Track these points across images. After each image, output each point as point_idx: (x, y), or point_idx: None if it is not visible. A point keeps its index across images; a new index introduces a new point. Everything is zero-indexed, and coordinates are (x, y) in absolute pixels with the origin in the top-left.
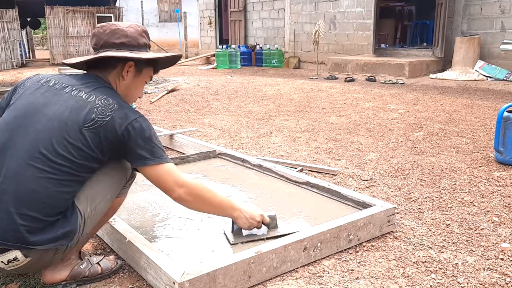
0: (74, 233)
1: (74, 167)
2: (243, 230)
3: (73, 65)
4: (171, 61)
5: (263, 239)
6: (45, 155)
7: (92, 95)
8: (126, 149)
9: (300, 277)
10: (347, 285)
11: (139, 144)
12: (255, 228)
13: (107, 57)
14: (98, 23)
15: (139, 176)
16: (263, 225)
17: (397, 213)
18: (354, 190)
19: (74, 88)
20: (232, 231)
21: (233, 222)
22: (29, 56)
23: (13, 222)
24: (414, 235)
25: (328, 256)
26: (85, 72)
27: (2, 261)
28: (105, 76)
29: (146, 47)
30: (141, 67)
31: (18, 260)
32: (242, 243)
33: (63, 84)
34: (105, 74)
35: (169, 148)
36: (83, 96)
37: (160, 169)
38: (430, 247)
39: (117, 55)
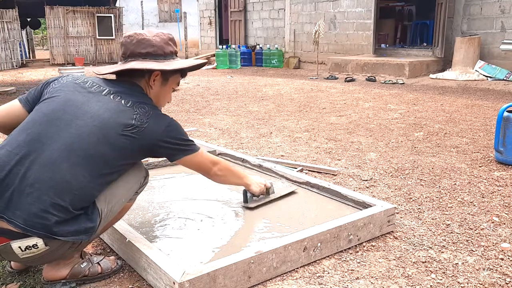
0: (94, 230)
1: (109, 166)
2: (253, 197)
3: (102, 75)
4: (197, 67)
5: (270, 200)
6: (84, 150)
7: (130, 101)
8: (164, 151)
9: (300, 277)
10: (347, 285)
11: (177, 143)
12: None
13: (131, 69)
14: (98, 23)
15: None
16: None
17: (397, 213)
18: (354, 190)
19: (112, 92)
20: (247, 201)
21: (245, 193)
22: (29, 56)
23: (44, 210)
24: (414, 235)
25: (328, 256)
26: (115, 78)
27: (19, 247)
28: (137, 84)
29: (173, 54)
30: (168, 76)
31: (37, 248)
32: (258, 206)
33: (101, 87)
34: (136, 81)
35: None
36: (122, 102)
37: (198, 156)
38: (430, 247)
39: (141, 67)
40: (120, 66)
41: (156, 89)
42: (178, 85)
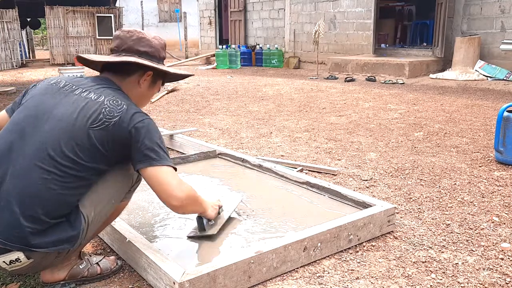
0: (77, 238)
1: (80, 169)
2: (207, 221)
3: (91, 63)
4: (182, 78)
5: (227, 220)
6: (52, 157)
7: (101, 95)
8: (131, 150)
9: (300, 277)
10: (347, 285)
11: (145, 145)
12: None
13: (130, 63)
14: (98, 23)
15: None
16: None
17: (397, 213)
18: (354, 190)
19: (84, 89)
20: (204, 226)
21: (200, 219)
22: (29, 56)
23: (17, 223)
24: (414, 235)
25: (328, 256)
26: (97, 74)
27: (4, 261)
28: (119, 80)
29: (163, 60)
30: (156, 78)
31: (20, 261)
32: (219, 230)
33: (73, 86)
34: (119, 78)
35: (169, 148)
36: (92, 97)
37: (164, 170)
38: (430, 247)
39: (147, 64)
40: (118, 58)
41: (144, 89)
42: (158, 91)
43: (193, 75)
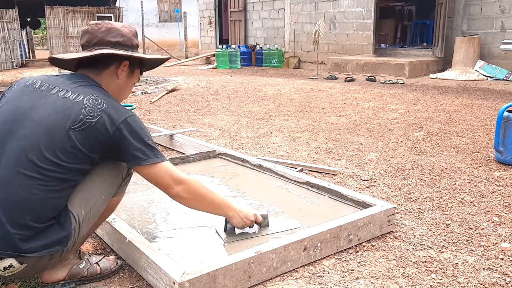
0: (68, 239)
1: (64, 171)
2: (236, 229)
3: (64, 62)
4: (159, 63)
5: (253, 237)
6: (33, 161)
7: (80, 94)
8: (119, 150)
9: (300, 277)
10: (347, 285)
11: (132, 144)
12: (247, 227)
13: (103, 55)
14: None
15: (139, 176)
16: (255, 224)
17: (397, 213)
18: (354, 190)
19: (61, 89)
20: (225, 230)
21: (226, 221)
22: (29, 56)
23: (5, 231)
24: (414, 235)
25: (328, 256)
26: (72, 71)
27: None
28: (96, 75)
29: (137, 48)
30: (134, 67)
31: (14, 267)
32: (235, 241)
33: (50, 86)
34: (95, 73)
35: (169, 148)
36: (70, 97)
37: (156, 167)
38: (430, 247)
39: (121, 54)
40: (90, 52)
41: (122, 80)
42: (138, 80)
43: (169, 58)
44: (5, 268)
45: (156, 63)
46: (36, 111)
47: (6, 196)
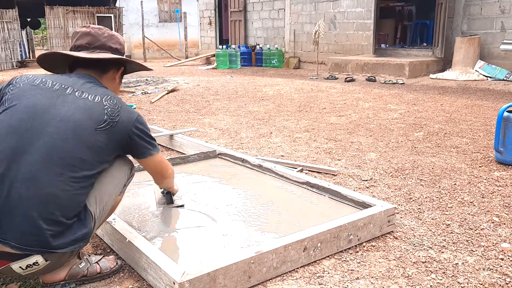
0: (89, 235)
1: (90, 168)
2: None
3: (57, 63)
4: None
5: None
6: (62, 158)
7: (96, 96)
8: (132, 145)
9: (300, 277)
10: (347, 285)
11: (143, 139)
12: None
13: (106, 60)
14: (98, 23)
15: (139, 175)
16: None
17: (397, 213)
18: (354, 190)
19: (75, 89)
20: (173, 199)
21: (169, 193)
22: (29, 56)
23: (37, 227)
24: (414, 235)
25: (328, 256)
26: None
27: (20, 267)
28: (98, 77)
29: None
30: (125, 73)
31: (38, 265)
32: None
33: (63, 85)
34: (97, 75)
35: (169, 148)
36: (89, 97)
37: (159, 157)
38: (430, 247)
39: (134, 62)
40: (103, 55)
41: (117, 84)
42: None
43: (151, 70)
44: (27, 266)
45: (135, 71)
46: (57, 109)
47: (37, 192)
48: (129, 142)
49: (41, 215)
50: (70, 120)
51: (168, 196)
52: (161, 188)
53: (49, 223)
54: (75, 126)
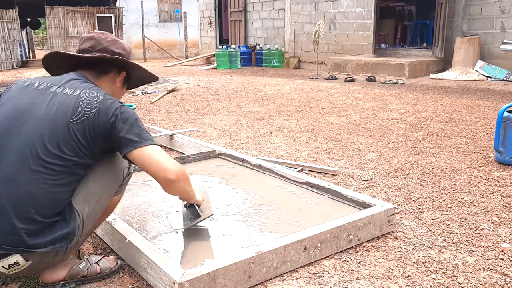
0: (73, 235)
1: (67, 164)
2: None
3: (59, 64)
4: (145, 82)
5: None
6: (37, 156)
7: (76, 89)
8: (115, 138)
9: (300, 277)
10: (347, 285)
11: (126, 129)
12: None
13: (107, 61)
14: (98, 23)
15: (139, 176)
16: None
17: (397, 213)
18: (354, 190)
19: (59, 86)
20: (199, 212)
21: (192, 206)
22: (29, 56)
23: (12, 226)
24: (414, 235)
25: (328, 256)
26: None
27: (3, 266)
28: (93, 78)
29: None
30: (127, 80)
31: (19, 264)
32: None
33: (48, 84)
34: (94, 76)
35: (169, 148)
36: (68, 92)
37: (151, 150)
38: (430, 247)
39: (131, 62)
40: (108, 55)
41: (119, 86)
42: (123, 95)
43: (157, 79)
44: (10, 266)
45: (143, 82)
46: (36, 108)
47: (13, 191)
48: (112, 135)
49: (16, 214)
50: (46, 117)
51: (193, 209)
52: (181, 200)
53: (24, 221)
54: (50, 122)
